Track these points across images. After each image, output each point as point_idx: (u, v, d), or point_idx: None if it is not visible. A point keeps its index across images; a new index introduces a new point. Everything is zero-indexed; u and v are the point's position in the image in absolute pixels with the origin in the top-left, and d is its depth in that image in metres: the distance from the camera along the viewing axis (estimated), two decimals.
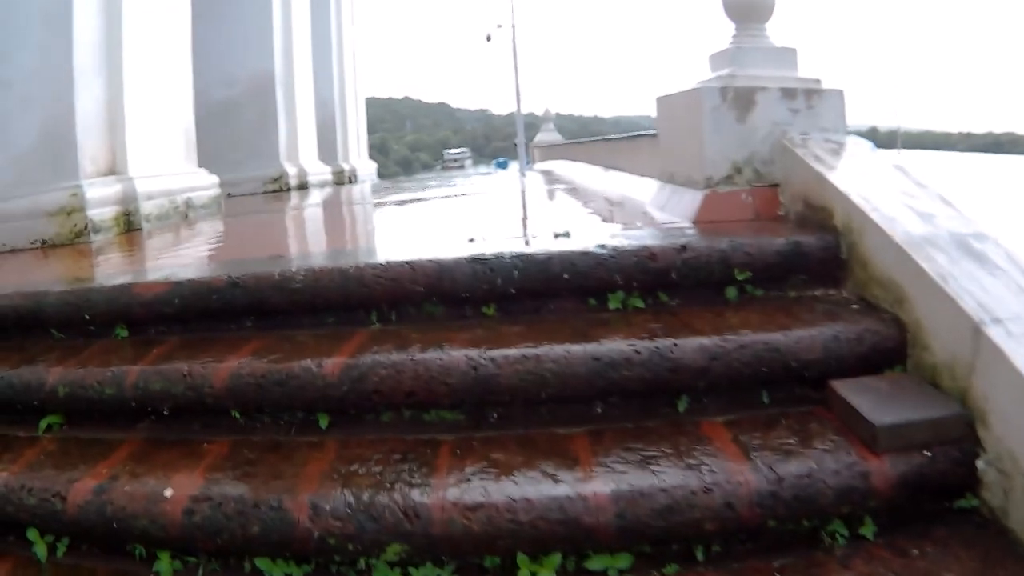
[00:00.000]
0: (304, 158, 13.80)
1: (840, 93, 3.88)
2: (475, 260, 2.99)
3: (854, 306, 2.84)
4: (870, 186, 3.13)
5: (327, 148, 17.08)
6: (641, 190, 5.44)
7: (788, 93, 3.80)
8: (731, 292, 3.02)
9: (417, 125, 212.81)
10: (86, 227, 6.55)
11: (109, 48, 7.11)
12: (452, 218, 6.42)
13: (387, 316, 3.06)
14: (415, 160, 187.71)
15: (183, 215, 8.21)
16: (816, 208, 3.32)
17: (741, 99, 3.80)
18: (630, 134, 6.66)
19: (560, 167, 11.07)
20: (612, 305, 2.97)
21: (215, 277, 3.20)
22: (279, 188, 12.95)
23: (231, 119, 13.01)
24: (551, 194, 7.96)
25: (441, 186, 12.82)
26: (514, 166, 23.40)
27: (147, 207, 7.39)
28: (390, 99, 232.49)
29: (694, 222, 3.77)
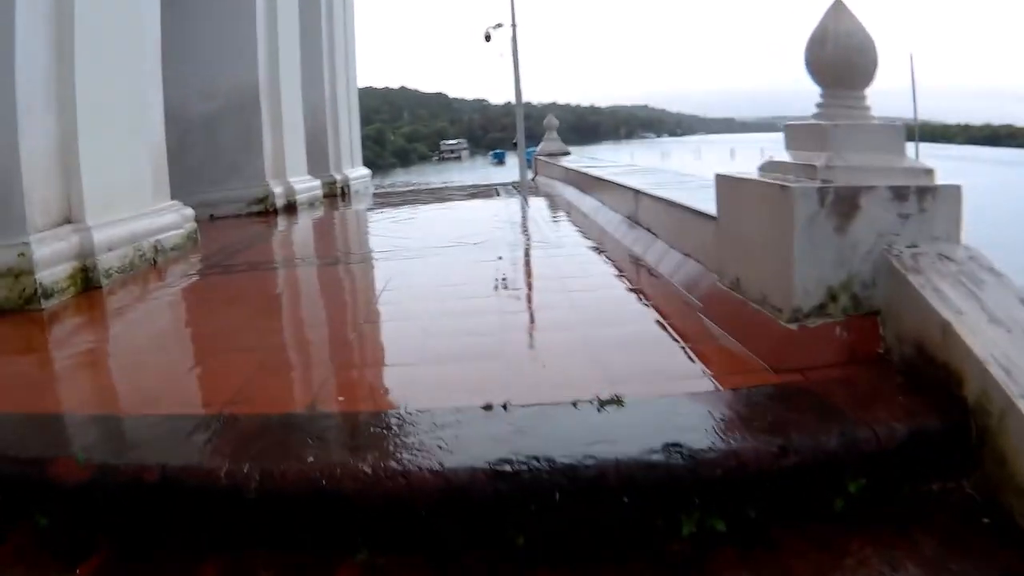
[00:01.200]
0: (292, 174, 12.94)
1: (957, 190, 3.03)
2: (498, 475, 2.15)
3: (984, 520, 2.15)
4: (1015, 346, 2.30)
5: (318, 158, 16.19)
6: (680, 268, 4.62)
7: (898, 193, 2.96)
8: (839, 504, 2.24)
9: (414, 115, 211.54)
10: (36, 292, 5.69)
11: (60, 81, 6.27)
12: (452, 314, 4.84)
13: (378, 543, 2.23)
14: (412, 151, 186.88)
15: (151, 261, 7.37)
16: (935, 364, 2.56)
17: (843, 203, 2.95)
18: (666, 198, 5.55)
19: (568, 196, 10.12)
20: (685, 530, 2.15)
21: (145, 467, 2.37)
22: (264, 209, 12.09)
23: (212, 134, 12.16)
24: (570, 253, 6.61)
25: (438, 205, 12.13)
26: (512, 161, 22.44)
27: (108, 260, 6.56)
28: (387, 89, 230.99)
29: (775, 368, 2.92)
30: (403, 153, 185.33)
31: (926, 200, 2.96)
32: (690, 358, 3.35)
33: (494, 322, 4.25)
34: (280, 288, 6.44)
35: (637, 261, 5.66)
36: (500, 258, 6.33)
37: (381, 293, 5.53)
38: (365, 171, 19.40)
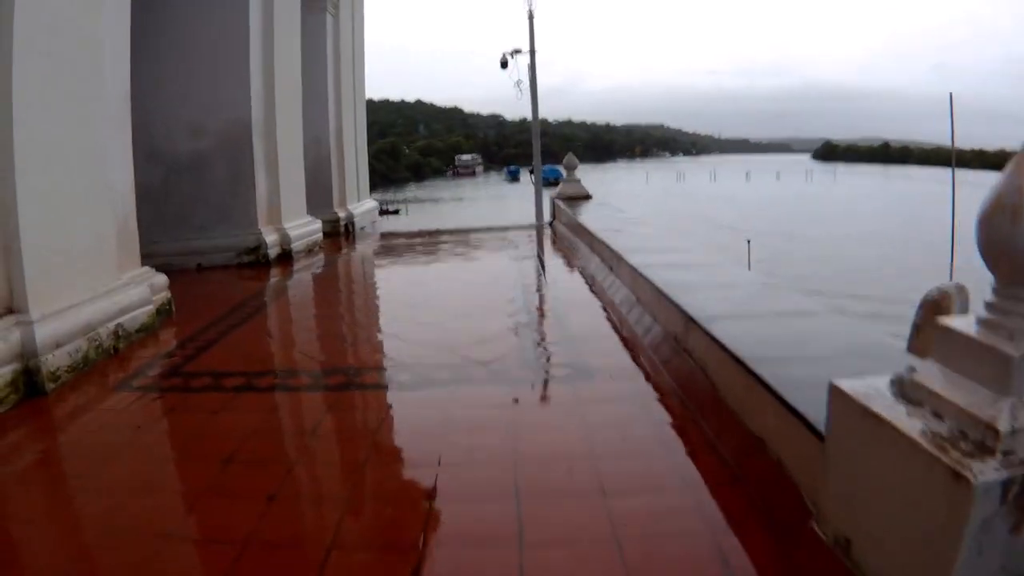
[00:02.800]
0: (289, 218, 11.69)
1: None
2: None
3: None
4: None
5: (320, 194, 14.98)
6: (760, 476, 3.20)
7: None
8: None
9: (429, 129, 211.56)
10: None
11: None
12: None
13: None
14: (426, 165, 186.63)
15: (111, 350, 6.12)
16: None
17: None
18: (756, 372, 3.55)
19: (592, 269, 8.36)
20: None
21: None
22: (257, 260, 10.85)
23: (200, 175, 10.96)
24: (613, 396, 4.67)
25: (444, 267, 10.94)
26: (525, 178, 21.13)
27: (56, 359, 5.30)
28: (402, 102, 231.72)
29: None
30: (417, 167, 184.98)
31: None
32: None
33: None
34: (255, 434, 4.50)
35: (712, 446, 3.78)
36: (516, 401, 4.70)
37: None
38: (371, 204, 18.16)
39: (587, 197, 13.92)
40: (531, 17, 19.23)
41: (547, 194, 16.05)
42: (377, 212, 18.49)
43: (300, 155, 12.52)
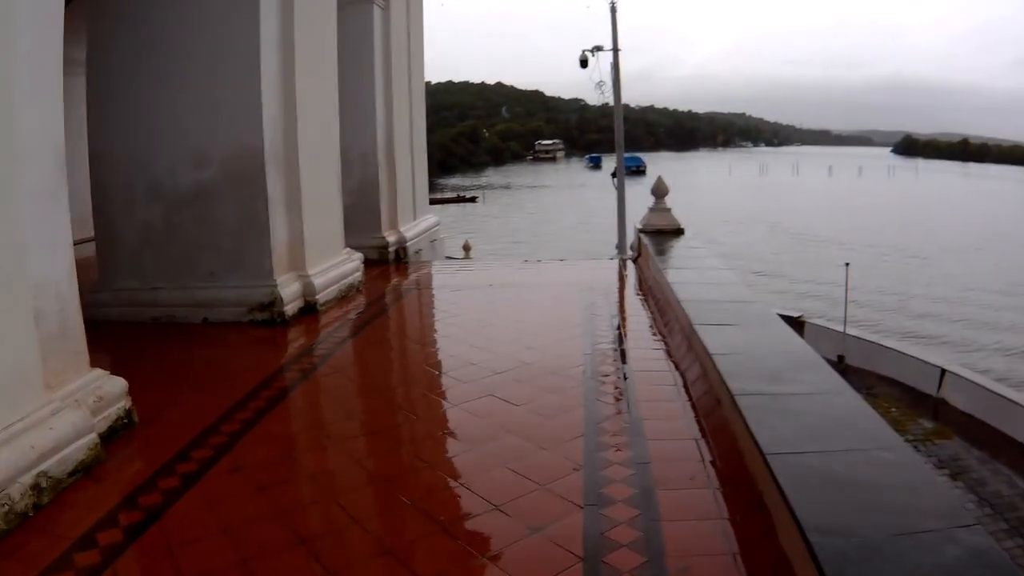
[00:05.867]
0: (316, 260, 9.58)
1: None
2: None
3: None
4: None
5: (366, 216, 12.94)
6: None
7: None
8: None
9: (510, 112, 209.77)
10: None
11: None
12: None
13: None
14: (506, 150, 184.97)
15: (26, 513, 4.14)
16: None
17: None
18: None
19: (693, 376, 6.23)
20: None
21: None
22: (271, 318, 8.79)
23: (206, 212, 8.97)
24: None
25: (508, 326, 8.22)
26: (607, 166, 19.11)
27: None
28: (483, 84, 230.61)
29: None
30: (497, 151, 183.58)
31: None
32: None
33: None
34: None
35: None
36: None
37: None
38: (430, 221, 15.91)
39: (678, 231, 11.47)
40: (614, 10, 16.83)
41: (630, 208, 13.66)
42: (437, 229, 16.28)
43: (334, 183, 10.39)
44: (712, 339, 5.63)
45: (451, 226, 59.71)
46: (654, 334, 7.64)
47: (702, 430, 5.04)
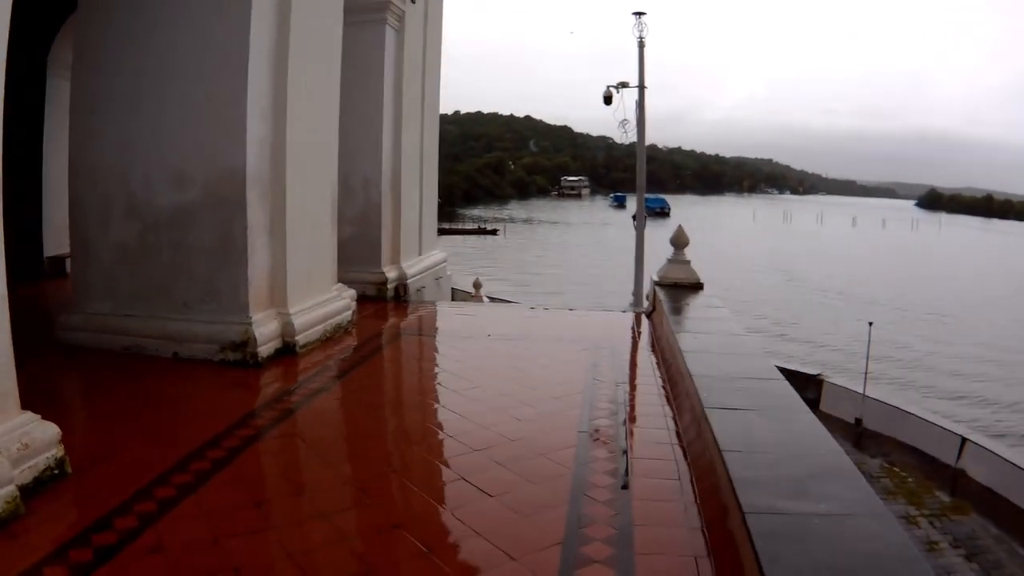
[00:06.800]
0: (300, 297, 8.78)
1: None
2: None
3: None
4: None
5: (365, 249, 12.19)
6: None
7: None
8: None
9: (538, 146, 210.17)
10: None
11: None
12: None
13: None
14: (531, 183, 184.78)
15: None
16: None
17: None
18: None
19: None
20: None
21: None
22: (243, 359, 7.99)
23: (183, 236, 8.26)
24: None
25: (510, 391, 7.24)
26: (631, 206, 18.42)
27: None
28: (512, 116, 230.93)
29: None
30: (522, 185, 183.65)
31: None
32: None
33: None
34: None
35: None
36: None
37: None
38: (436, 257, 15.04)
39: (697, 286, 10.58)
40: (641, 45, 16.09)
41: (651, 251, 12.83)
42: (444, 266, 15.44)
43: (327, 211, 9.61)
44: (725, 430, 4.74)
45: (468, 257, 59.13)
46: (664, 405, 6.73)
47: (706, 542, 4.16)
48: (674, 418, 6.32)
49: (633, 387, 7.56)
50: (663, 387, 7.31)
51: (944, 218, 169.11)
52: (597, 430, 6.07)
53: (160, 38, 8.01)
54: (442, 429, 6.23)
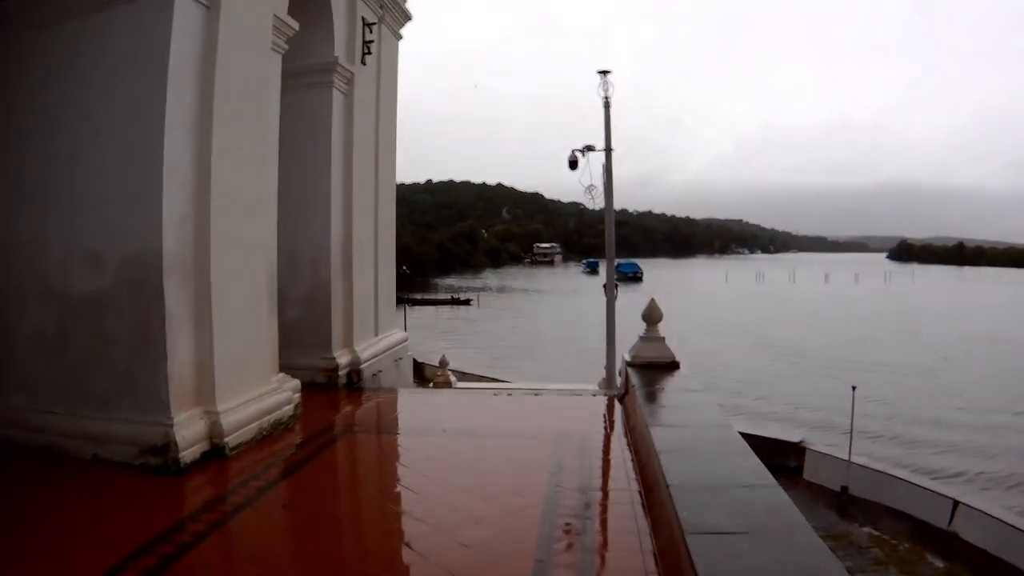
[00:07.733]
0: (230, 393, 7.82)
1: None
2: None
3: None
4: None
5: (313, 331, 11.30)
6: None
7: None
8: None
9: (510, 214, 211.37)
10: None
11: None
12: None
13: None
14: (504, 251, 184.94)
15: None
16: None
17: None
18: None
19: None
20: None
21: None
22: (164, 464, 7.01)
23: (98, 324, 7.40)
24: None
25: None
26: (604, 272, 17.75)
27: None
28: (483, 184, 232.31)
29: None
30: (495, 252, 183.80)
31: None
32: None
33: None
34: None
35: None
36: None
37: None
38: (395, 338, 14.02)
39: (672, 365, 9.74)
40: (607, 105, 15.52)
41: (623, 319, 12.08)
42: (404, 346, 14.48)
43: (263, 296, 8.70)
44: (711, 568, 3.85)
45: (440, 329, 58.21)
46: (639, 518, 5.81)
47: None
48: (650, 534, 5.40)
49: (605, 493, 6.61)
50: (639, 491, 6.38)
51: (917, 269, 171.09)
52: (557, 554, 5.14)
53: (72, 104, 7.26)
54: (380, 557, 5.26)
